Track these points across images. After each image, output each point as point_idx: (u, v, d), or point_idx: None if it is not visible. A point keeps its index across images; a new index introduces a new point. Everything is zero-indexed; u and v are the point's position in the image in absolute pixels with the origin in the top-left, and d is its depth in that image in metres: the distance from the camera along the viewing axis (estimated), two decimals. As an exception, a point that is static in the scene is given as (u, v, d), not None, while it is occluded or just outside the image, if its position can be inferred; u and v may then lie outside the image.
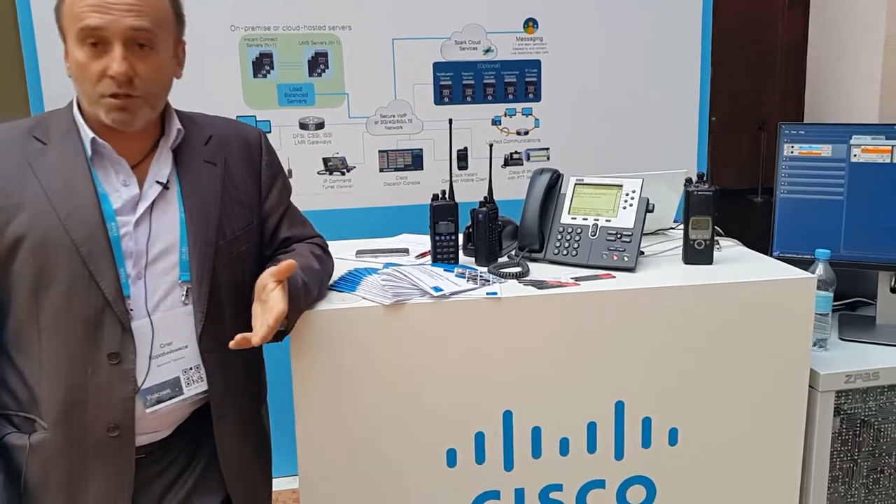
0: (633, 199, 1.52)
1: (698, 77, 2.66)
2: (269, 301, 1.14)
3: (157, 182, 1.20)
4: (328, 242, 1.46)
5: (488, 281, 1.40)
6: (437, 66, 2.52)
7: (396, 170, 2.55)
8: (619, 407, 1.40)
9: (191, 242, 1.20)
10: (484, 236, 1.52)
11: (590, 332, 1.37)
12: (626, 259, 1.47)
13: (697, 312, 1.39)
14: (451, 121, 1.58)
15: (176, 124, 1.24)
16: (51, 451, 1.15)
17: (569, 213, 1.56)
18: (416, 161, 2.56)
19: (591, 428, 1.40)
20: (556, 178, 1.61)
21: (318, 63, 2.45)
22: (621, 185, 1.54)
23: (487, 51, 2.55)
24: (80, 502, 1.16)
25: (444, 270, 1.44)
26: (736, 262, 1.54)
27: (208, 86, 2.35)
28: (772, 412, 1.44)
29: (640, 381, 1.39)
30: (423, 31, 2.48)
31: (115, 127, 1.14)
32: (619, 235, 1.49)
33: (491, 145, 1.61)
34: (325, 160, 2.50)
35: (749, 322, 1.40)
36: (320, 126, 2.48)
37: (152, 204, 1.19)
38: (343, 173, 2.52)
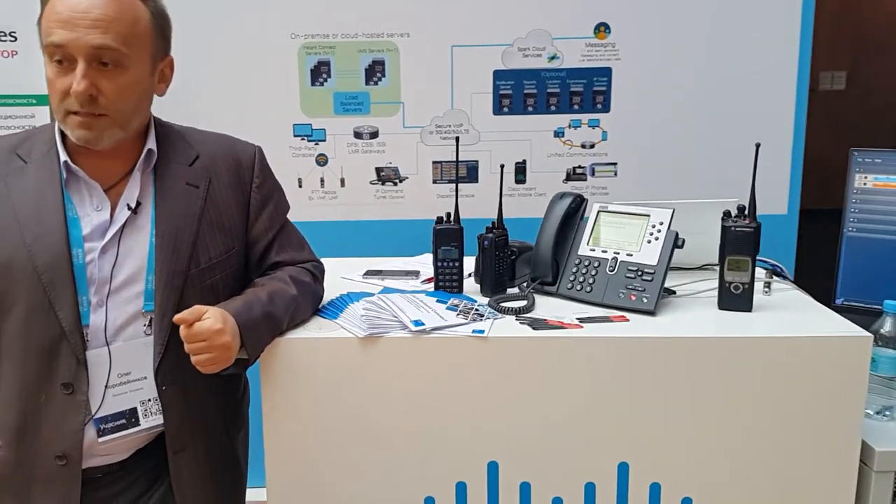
0: (659, 231, 1.34)
1: (794, 91, 2.37)
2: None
3: (127, 206, 1.16)
4: (345, 259, 1.47)
5: (482, 315, 1.27)
6: (498, 75, 2.39)
7: (450, 182, 2.44)
8: (623, 469, 1.23)
9: (157, 271, 1.15)
10: (490, 265, 1.39)
11: (590, 382, 1.21)
12: (644, 300, 1.29)
13: (722, 368, 1.20)
14: (457, 139, 1.46)
15: (149, 144, 1.19)
16: (2, 470, 1.15)
17: (588, 243, 1.40)
18: (471, 173, 2.45)
19: (590, 490, 1.24)
20: (577, 204, 1.45)
21: (374, 71, 2.39)
22: (648, 215, 1.36)
23: (553, 58, 2.39)
24: None
25: (437, 301, 1.32)
26: (782, 310, 1.32)
27: (267, 94, 2.36)
28: (809, 493, 1.22)
29: (649, 441, 1.22)
30: (483, 37, 2.37)
31: (82, 145, 1.12)
32: (640, 273, 1.32)
33: (502, 166, 1.48)
34: (378, 170, 2.44)
35: (785, 383, 1.19)
36: (374, 135, 2.42)
37: (122, 229, 1.15)
38: (395, 184, 2.45)
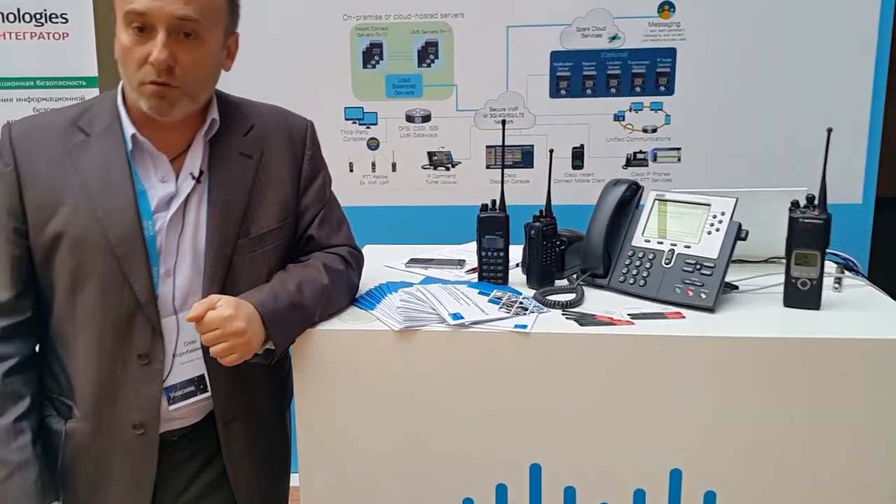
0: (721, 222, 1.24)
1: (871, 73, 2.19)
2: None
3: (191, 175, 1.16)
4: (390, 246, 1.46)
5: (526, 309, 1.21)
6: (555, 56, 2.30)
7: (505, 167, 2.36)
8: (676, 476, 1.15)
9: (208, 238, 1.15)
10: (536, 255, 1.32)
11: (641, 383, 1.13)
12: (703, 296, 1.20)
13: (785, 371, 1.10)
14: (503, 122, 1.38)
15: (212, 114, 1.18)
16: (81, 440, 1.16)
17: (643, 234, 1.31)
18: (526, 158, 2.37)
19: (639, 497, 1.16)
20: (632, 192, 1.36)
21: (427, 53, 2.33)
22: (709, 205, 1.26)
23: (614, 38, 2.28)
24: (104, 491, 1.18)
25: (479, 293, 1.26)
26: (853, 308, 1.20)
27: (318, 76, 2.33)
28: (883, 510, 1.11)
29: (703, 447, 1.13)
30: (541, 17, 2.28)
31: (153, 116, 1.11)
32: (698, 266, 1.23)
33: (551, 151, 1.40)
34: (430, 154, 2.39)
35: (856, 389, 1.08)
36: (427, 119, 2.37)
37: (186, 199, 1.15)
38: (448, 168, 2.39)
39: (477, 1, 2.28)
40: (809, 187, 1.40)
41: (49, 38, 2.19)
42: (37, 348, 1.21)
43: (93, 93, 2.22)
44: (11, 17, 2.16)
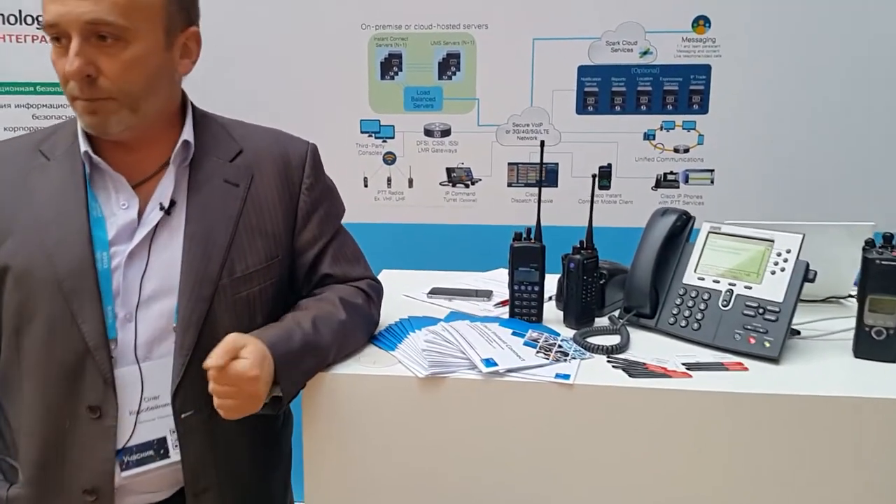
0: (786, 261, 1.11)
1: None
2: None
3: (160, 206, 1.02)
4: (408, 271, 1.32)
5: (566, 354, 1.07)
6: (583, 70, 2.18)
7: (527, 185, 2.25)
8: (736, 550, 1.01)
9: (183, 278, 1.01)
10: (575, 292, 1.19)
11: (698, 444, 0.99)
12: (766, 344, 1.07)
13: (863, 434, 0.96)
14: (542, 143, 1.25)
15: (185, 134, 1.05)
16: None
17: (695, 270, 1.18)
18: (550, 176, 2.24)
19: (691, 570, 1.03)
20: (683, 223, 1.23)
21: (448, 65, 2.22)
22: (772, 241, 1.13)
23: (645, 53, 2.16)
24: None
25: (513, 333, 1.13)
26: (937, 363, 1.07)
27: (334, 87, 2.22)
28: None
29: (769, 519, 0.99)
30: (569, 30, 2.16)
31: (90, 132, 0.99)
32: (761, 310, 1.09)
33: (594, 176, 1.27)
34: (449, 170, 2.27)
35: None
36: (446, 133, 2.25)
37: (153, 232, 1.01)
38: (467, 186, 2.27)
39: (502, 12, 2.16)
40: (860, 217, 1.28)
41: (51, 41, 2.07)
42: None
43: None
44: (12, 19, 2.05)
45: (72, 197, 0.99)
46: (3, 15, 2.04)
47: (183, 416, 1.01)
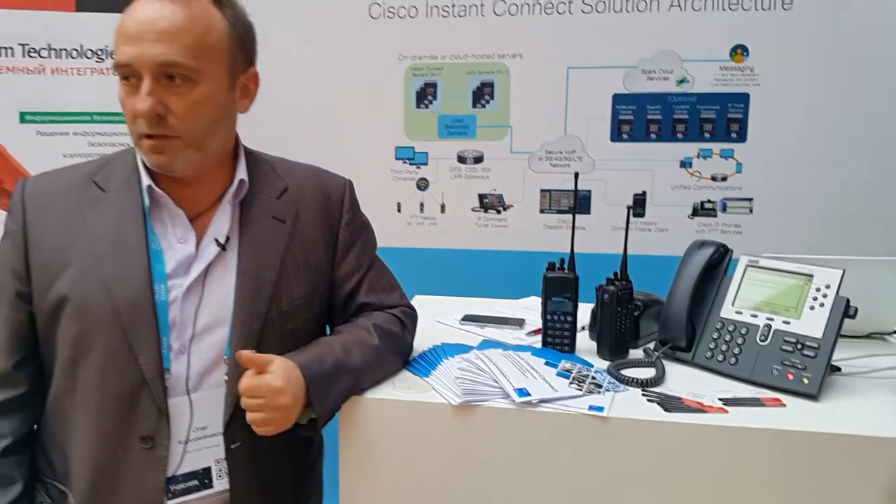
0: (825, 296, 1.09)
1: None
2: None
3: (216, 241, 1.05)
4: (441, 297, 1.33)
5: (600, 386, 1.07)
6: (618, 98, 2.18)
7: (559, 212, 2.25)
8: (772, 591, 0.98)
9: (236, 313, 1.03)
10: (609, 322, 1.18)
11: (735, 481, 0.97)
12: (805, 381, 1.05)
13: (909, 478, 0.93)
14: (576, 175, 1.26)
15: (241, 174, 1.08)
16: None
17: (733, 304, 1.16)
18: (583, 203, 2.23)
19: None
20: (720, 255, 1.22)
21: (482, 94, 2.24)
22: (812, 276, 1.11)
23: (681, 81, 2.16)
24: None
25: (546, 363, 1.13)
26: None
27: (371, 115, 2.26)
28: None
29: (808, 561, 0.97)
30: (603, 58, 2.17)
31: (159, 171, 1.02)
32: (800, 346, 1.07)
33: (629, 208, 1.26)
34: (481, 196, 2.28)
35: None
36: (479, 160, 2.27)
37: (209, 266, 1.04)
38: (499, 211, 2.28)
39: (536, 42, 2.18)
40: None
41: (108, 74, 2.15)
42: (34, 427, 1.10)
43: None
44: (74, 53, 2.15)
45: (131, 229, 1.02)
46: (65, 49, 2.14)
47: (232, 446, 1.03)
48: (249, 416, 0.96)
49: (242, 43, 1.04)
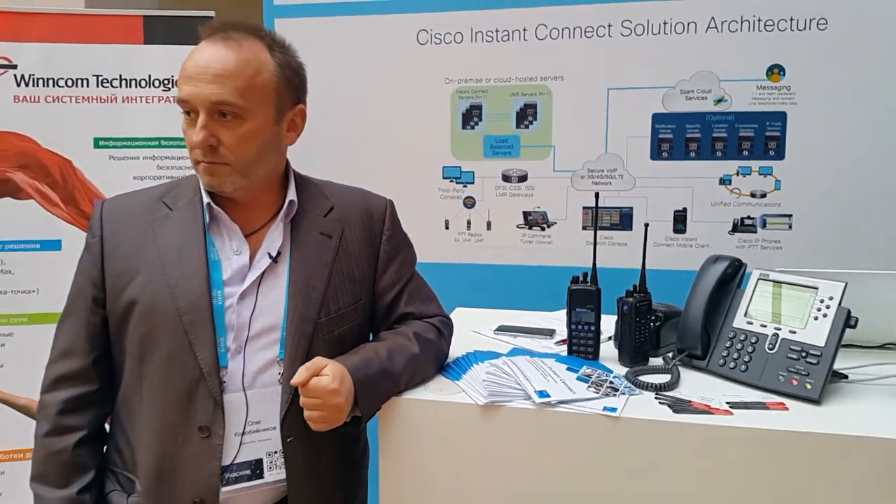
0: (829, 307, 1.16)
1: None
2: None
3: (268, 255, 1.19)
4: (478, 309, 1.42)
5: (617, 390, 1.17)
6: (657, 118, 2.26)
7: (601, 228, 2.33)
8: (775, 582, 1.06)
9: (289, 318, 1.17)
10: (629, 332, 1.28)
11: (737, 479, 1.06)
12: (808, 386, 1.12)
13: (903, 478, 1.00)
14: (597, 194, 1.36)
15: (291, 195, 1.23)
16: None
17: (745, 315, 1.25)
18: (624, 220, 2.32)
19: None
20: (734, 269, 1.30)
21: (525, 115, 2.36)
22: (817, 288, 1.19)
23: (720, 101, 2.23)
24: None
25: (567, 368, 1.24)
26: None
27: (420, 136, 2.40)
28: None
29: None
30: (643, 79, 2.26)
31: (210, 190, 1.18)
32: (804, 353, 1.15)
33: (646, 225, 1.36)
34: (526, 214, 2.39)
35: None
36: (523, 178, 2.38)
37: (261, 277, 1.18)
38: (543, 228, 2.38)
39: (577, 64, 2.29)
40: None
41: (173, 102, 2.35)
42: (107, 424, 1.24)
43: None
44: (143, 83, 2.36)
45: (193, 241, 1.17)
46: (135, 79, 2.36)
47: (288, 440, 1.16)
48: (307, 414, 1.10)
49: (290, 83, 1.19)
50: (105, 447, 1.25)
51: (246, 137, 1.14)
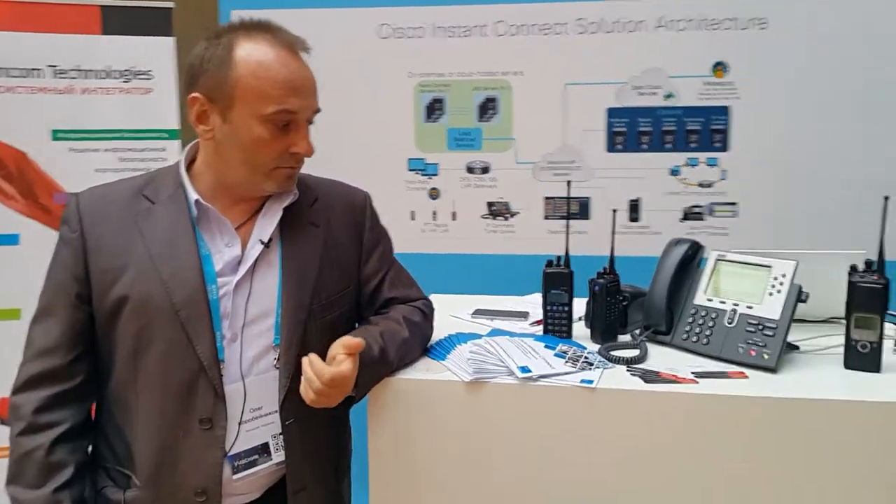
0: (782, 284, 1.28)
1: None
2: (337, 363, 1.12)
3: (260, 241, 1.21)
4: (454, 296, 1.49)
5: (591, 364, 1.26)
6: (611, 112, 2.38)
7: (562, 217, 2.44)
8: (738, 533, 1.17)
9: (284, 304, 1.20)
10: (601, 311, 1.37)
11: (703, 442, 1.16)
12: (765, 356, 1.24)
13: (849, 435, 1.12)
14: (569, 182, 1.45)
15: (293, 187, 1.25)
16: None
17: (705, 293, 1.36)
18: (582, 210, 2.43)
19: (701, 552, 1.19)
20: (693, 251, 1.41)
21: (487, 108, 2.44)
22: (770, 267, 1.30)
23: (668, 96, 2.36)
24: None
25: (545, 346, 1.32)
26: (918, 373, 1.22)
27: (384, 129, 2.46)
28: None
29: (766, 506, 1.16)
30: (597, 75, 2.37)
31: (278, 192, 1.21)
32: (761, 327, 1.26)
33: (614, 211, 1.46)
34: (490, 204, 2.48)
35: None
36: (486, 170, 2.47)
37: (254, 264, 1.20)
38: (506, 218, 2.47)
39: (535, 60, 2.38)
40: (867, 246, 1.43)
41: (134, 94, 2.35)
42: (92, 414, 1.23)
43: (172, 144, 2.37)
44: (102, 74, 2.34)
45: (182, 236, 1.16)
46: (93, 70, 2.33)
47: (287, 423, 1.20)
48: (317, 398, 1.11)
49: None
50: (90, 444, 1.23)
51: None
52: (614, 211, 1.44)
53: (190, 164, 1.24)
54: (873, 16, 2.21)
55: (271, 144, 1.15)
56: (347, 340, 1.13)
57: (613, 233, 1.42)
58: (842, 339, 1.28)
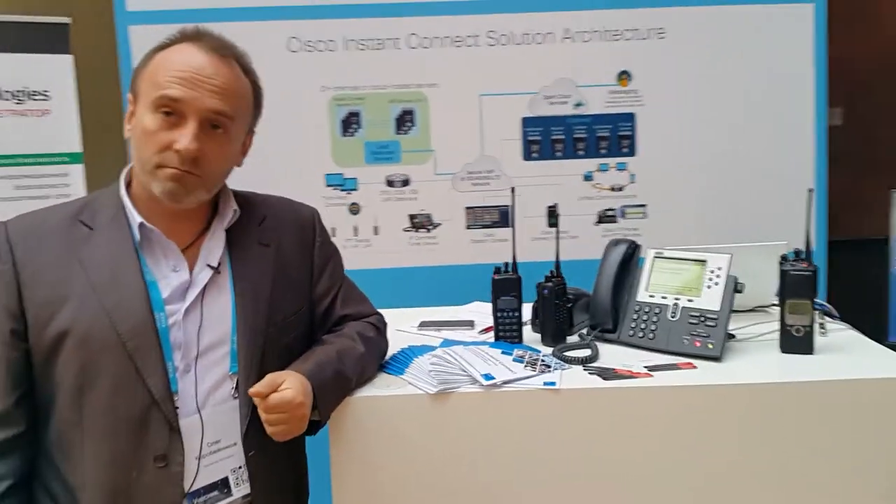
0: (719, 276, 1.35)
1: (812, 132, 2.41)
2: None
3: (209, 266, 1.15)
4: (396, 310, 1.45)
5: (549, 366, 1.28)
6: (526, 122, 2.44)
7: (483, 227, 2.47)
8: (699, 517, 1.22)
9: (239, 331, 1.14)
10: (550, 314, 1.40)
11: (663, 430, 1.21)
12: (710, 346, 1.30)
13: (793, 414, 1.20)
14: (513, 189, 1.47)
15: (232, 205, 1.20)
16: None
17: (646, 289, 1.41)
18: (503, 218, 2.47)
19: (666, 540, 1.23)
20: (632, 250, 1.46)
21: (404, 121, 2.44)
22: (705, 261, 1.38)
23: (578, 105, 2.44)
24: None
25: (502, 353, 1.33)
26: (841, 351, 1.33)
27: (300, 144, 2.40)
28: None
29: (725, 492, 1.21)
30: (510, 86, 2.42)
31: (164, 200, 1.10)
32: (703, 318, 1.33)
33: (557, 215, 1.49)
34: (412, 217, 2.47)
35: (854, 429, 1.19)
36: (406, 183, 2.46)
37: (203, 290, 1.14)
38: (429, 230, 2.48)
39: (450, 72, 2.41)
40: (786, 241, 1.53)
41: (29, 116, 2.18)
42: (31, 468, 1.13)
43: (77, 169, 2.22)
44: (-9, 97, 2.16)
45: (125, 263, 1.09)
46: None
47: (251, 454, 1.14)
48: (272, 429, 1.07)
49: (258, 108, 1.20)
50: (31, 495, 1.13)
51: (226, 154, 1.13)
52: (557, 215, 1.47)
53: (128, 186, 1.16)
54: (756, 26, 2.39)
55: (155, 135, 1.07)
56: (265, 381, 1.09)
57: (557, 238, 1.45)
58: (773, 326, 1.37)
